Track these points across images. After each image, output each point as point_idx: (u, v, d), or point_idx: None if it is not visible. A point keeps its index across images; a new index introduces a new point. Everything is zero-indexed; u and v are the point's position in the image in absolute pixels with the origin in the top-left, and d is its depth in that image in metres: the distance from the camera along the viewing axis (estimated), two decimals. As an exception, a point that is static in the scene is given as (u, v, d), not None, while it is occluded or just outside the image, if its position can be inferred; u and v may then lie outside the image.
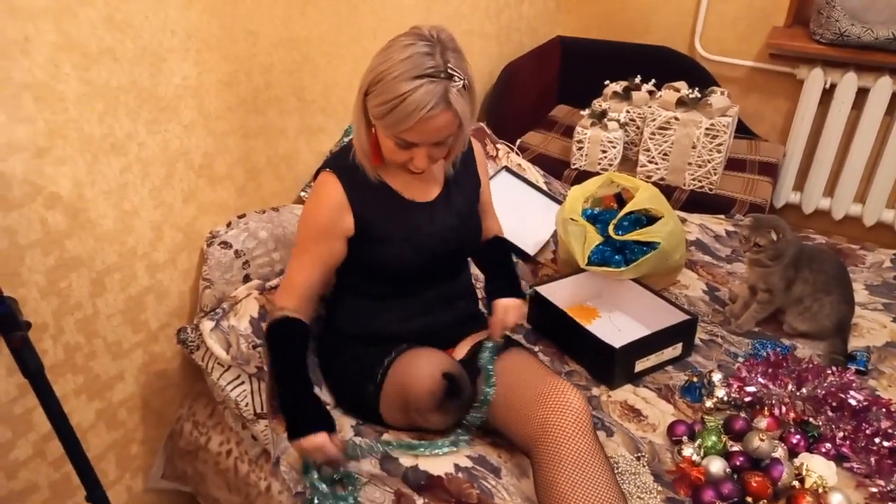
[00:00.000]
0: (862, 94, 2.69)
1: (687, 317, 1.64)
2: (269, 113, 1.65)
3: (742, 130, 2.91)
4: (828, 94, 2.75)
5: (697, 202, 2.43)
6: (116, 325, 1.40)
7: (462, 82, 1.19)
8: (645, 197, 1.84)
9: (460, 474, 1.30)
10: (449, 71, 1.17)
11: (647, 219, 1.88)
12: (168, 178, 1.43)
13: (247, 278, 1.57)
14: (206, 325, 1.37)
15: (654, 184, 2.42)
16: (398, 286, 1.44)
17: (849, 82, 2.67)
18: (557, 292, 1.79)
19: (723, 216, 2.33)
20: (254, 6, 1.53)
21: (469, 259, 1.61)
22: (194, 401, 1.60)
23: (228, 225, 1.56)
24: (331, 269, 1.43)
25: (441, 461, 1.33)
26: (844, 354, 1.63)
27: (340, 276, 1.50)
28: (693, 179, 2.46)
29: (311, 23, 1.72)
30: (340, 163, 1.37)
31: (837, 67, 2.70)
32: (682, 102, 2.40)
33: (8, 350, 0.97)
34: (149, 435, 1.56)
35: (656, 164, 2.49)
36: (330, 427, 1.29)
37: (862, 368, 1.59)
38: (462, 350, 1.50)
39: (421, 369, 1.32)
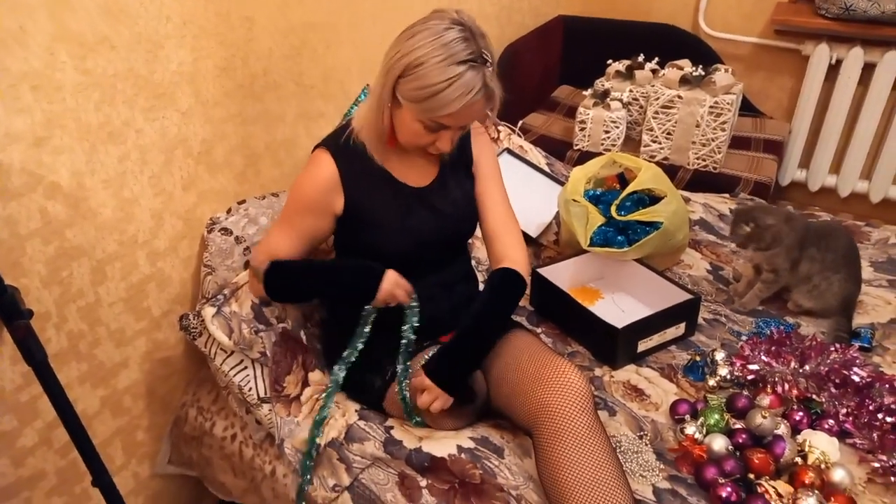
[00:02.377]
0: (868, 69, 2.66)
1: (690, 296, 1.64)
2: (267, 99, 1.65)
3: (747, 108, 2.88)
4: (833, 69, 2.72)
5: (702, 181, 2.41)
6: (119, 313, 1.41)
7: (493, 66, 1.21)
8: (648, 177, 1.82)
9: (463, 455, 1.31)
10: (484, 56, 1.19)
11: (649, 199, 1.87)
12: (167, 165, 1.43)
13: (248, 264, 1.57)
14: (208, 311, 1.38)
15: (658, 163, 2.41)
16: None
17: (855, 57, 2.64)
18: (560, 274, 1.79)
19: (727, 195, 2.31)
20: (249, -9, 1.52)
21: (469, 242, 1.59)
22: (198, 387, 1.61)
23: (228, 211, 1.57)
24: (313, 244, 1.43)
25: (444, 443, 1.34)
26: (849, 332, 1.63)
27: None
28: (697, 158, 2.45)
29: (308, 8, 1.71)
30: (337, 142, 1.37)
31: (843, 42, 2.67)
32: (685, 81, 2.38)
33: (11, 339, 0.98)
34: (154, 421, 1.58)
35: (660, 143, 2.48)
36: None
37: (866, 345, 1.58)
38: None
39: None
